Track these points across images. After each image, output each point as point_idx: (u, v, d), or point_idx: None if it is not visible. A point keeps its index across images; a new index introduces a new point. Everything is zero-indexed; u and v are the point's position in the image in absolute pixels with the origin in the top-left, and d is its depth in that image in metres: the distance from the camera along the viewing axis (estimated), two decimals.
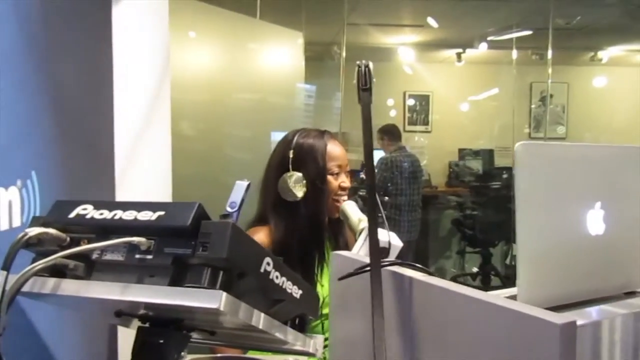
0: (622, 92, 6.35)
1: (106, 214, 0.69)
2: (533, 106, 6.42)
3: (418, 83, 6.12)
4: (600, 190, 0.81)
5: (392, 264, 0.74)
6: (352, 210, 1.31)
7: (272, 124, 3.06)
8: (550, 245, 0.74)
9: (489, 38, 5.37)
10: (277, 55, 3.28)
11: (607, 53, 5.93)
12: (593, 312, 0.62)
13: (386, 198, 4.29)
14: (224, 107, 2.92)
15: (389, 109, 6.18)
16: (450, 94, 6.18)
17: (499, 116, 6.01)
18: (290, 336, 0.86)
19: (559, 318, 0.48)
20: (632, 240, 0.84)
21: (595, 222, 0.80)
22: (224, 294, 0.63)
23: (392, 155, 4.48)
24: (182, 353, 0.80)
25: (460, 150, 6.03)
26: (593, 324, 0.56)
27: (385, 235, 1.11)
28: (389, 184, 4.35)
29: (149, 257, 0.66)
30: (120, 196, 1.38)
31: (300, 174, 1.40)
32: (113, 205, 0.70)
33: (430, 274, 0.71)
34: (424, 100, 6.22)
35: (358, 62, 0.75)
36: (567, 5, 4.19)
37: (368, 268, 0.68)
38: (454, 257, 5.49)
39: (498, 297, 0.58)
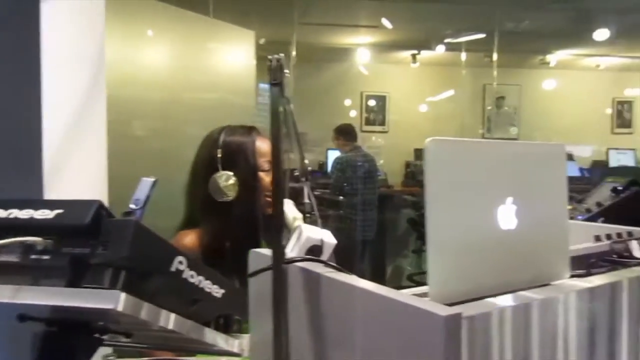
0: (570, 94, 6.61)
1: (1, 213, 0.66)
2: (489, 107, 6.60)
3: (375, 84, 6.19)
4: (513, 186, 0.83)
5: (295, 261, 0.74)
6: (287, 208, 1.30)
7: (227, 124, 3.02)
8: (461, 241, 0.75)
9: (446, 40, 5.48)
10: (230, 54, 3.26)
11: (555, 57, 6.15)
12: (491, 303, 0.63)
13: (341, 197, 4.32)
14: (179, 106, 2.88)
15: (348, 109, 6.23)
16: (406, 94, 6.28)
17: (454, 117, 6.15)
18: (210, 337, 0.84)
19: (444, 310, 0.49)
20: (544, 235, 0.87)
21: (507, 217, 0.81)
22: (123, 294, 0.61)
23: (348, 155, 4.51)
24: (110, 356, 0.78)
25: (417, 150, 6.13)
26: (483, 315, 0.57)
27: (319, 233, 1.11)
28: (344, 184, 4.38)
29: (46, 257, 0.63)
30: (49, 197, 1.33)
31: (230, 173, 1.36)
32: (9, 203, 0.67)
33: (340, 270, 0.71)
34: (381, 101, 6.29)
35: (270, 56, 0.74)
36: (515, 10, 4.32)
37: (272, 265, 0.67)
38: (410, 255, 5.56)
39: (391, 290, 0.59)
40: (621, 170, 5.72)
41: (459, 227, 0.75)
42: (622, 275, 0.77)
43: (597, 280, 0.74)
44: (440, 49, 5.69)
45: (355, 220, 4.37)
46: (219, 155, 1.38)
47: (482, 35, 4.93)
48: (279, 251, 0.67)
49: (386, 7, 4.43)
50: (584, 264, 0.89)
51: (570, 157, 5.78)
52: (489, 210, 0.79)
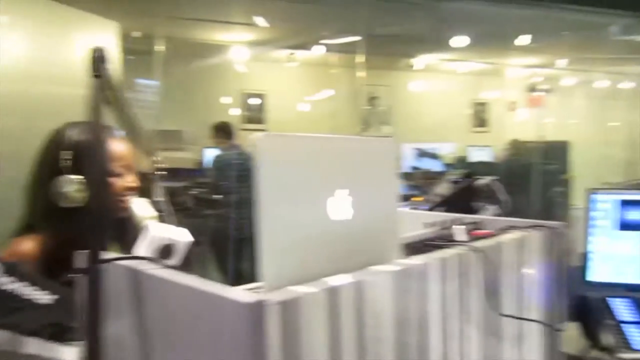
0: (435, 96, 7.16)
1: None
2: (370, 107, 6.92)
3: (254, 82, 6.20)
4: (347, 179, 0.88)
5: (108, 260, 0.72)
6: (137, 209, 1.25)
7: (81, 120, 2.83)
8: (294, 233, 0.78)
9: (322, 42, 5.64)
10: (90, 45, 3.06)
11: (420, 60, 6.64)
12: (304, 288, 0.65)
13: (218, 195, 4.25)
14: (29, 100, 2.64)
15: (226, 106, 6.16)
16: (285, 93, 6.37)
17: (332, 116, 6.35)
18: (33, 347, 0.79)
19: (248, 297, 0.50)
20: (377, 223, 0.93)
21: (340, 208, 0.86)
22: None
23: (225, 153, 4.45)
24: None
25: None
26: (294, 300, 0.59)
27: (169, 232, 1.08)
28: (221, 182, 4.32)
29: None
30: None
31: (77, 177, 1.23)
32: None
33: (171, 267, 0.71)
34: (259, 99, 6.32)
35: (92, 48, 0.70)
36: (383, 15, 4.57)
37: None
38: None
39: (201, 282, 0.59)
40: (478, 166, 6.32)
41: (291, 219, 0.78)
42: (431, 257, 0.84)
43: (409, 262, 0.81)
44: (318, 49, 5.85)
45: (232, 218, 4.33)
46: (66, 157, 1.23)
47: (356, 38, 5.14)
48: (94, 251, 0.64)
49: (259, 5, 4.44)
50: (412, 249, 0.97)
51: (434, 155, 6.27)
52: (323, 202, 0.83)
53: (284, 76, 6.45)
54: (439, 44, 5.61)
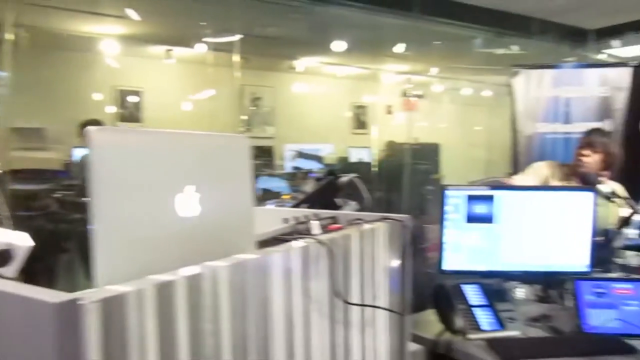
0: (317, 98, 7.35)
1: None
2: (253, 108, 6.89)
3: (129, 78, 5.89)
4: (195, 175, 0.86)
5: None
6: None
7: None
8: (135, 231, 0.75)
9: (203, 40, 5.50)
10: None
11: (301, 63, 6.79)
12: (131, 285, 0.63)
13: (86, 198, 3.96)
14: None
15: (98, 103, 5.77)
16: (164, 91, 6.13)
17: (215, 116, 6.23)
18: None
19: (56, 297, 0.48)
20: (229, 219, 0.93)
21: (187, 204, 0.84)
22: None
23: None
24: None
25: None
26: (118, 297, 0.57)
27: (7, 237, 1.00)
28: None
29: None
30: None
31: None
32: None
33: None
34: (135, 96, 6.01)
35: None
36: (261, 15, 4.59)
37: None
38: None
39: (5, 283, 0.55)
40: (357, 165, 6.57)
41: (130, 217, 0.75)
42: (275, 250, 0.86)
43: (249, 256, 0.81)
44: (198, 47, 5.71)
45: None
46: None
47: (236, 37, 5.09)
48: None
49: None
50: (266, 244, 0.98)
51: (316, 156, 6.43)
52: (168, 199, 0.81)
53: (162, 73, 6.20)
54: (318, 47, 5.77)
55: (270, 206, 1.50)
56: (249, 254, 0.80)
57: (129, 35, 5.33)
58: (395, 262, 1.18)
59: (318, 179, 1.51)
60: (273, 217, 1.21)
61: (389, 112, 7.92)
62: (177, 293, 0.64)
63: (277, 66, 6.86)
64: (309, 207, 1.42)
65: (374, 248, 1.09)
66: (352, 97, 7.79)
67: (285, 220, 1.16)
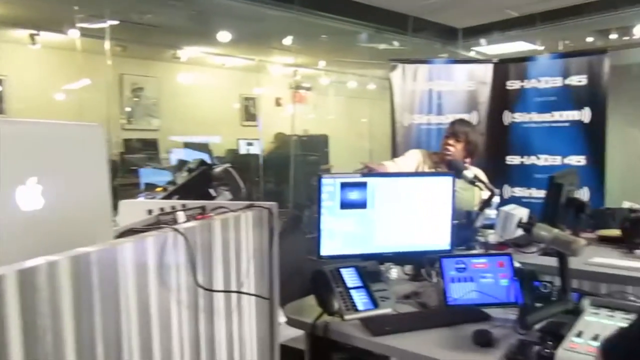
0: (204, 89, 7.17)
1: None
2: (136, 98, 6.53)
3: None
4: (38, 167, 0.81)
5: None
6: None
7: None
8: None
9: (77, 25, 5.10)
10: None
11: (185, 52, 6.57)
12: None
13: None
14: None
15: None
16: (33, 80, 5.60)
17: (93, 107, 5.82)
18: None
19: None
20: (82, 211, 0.88)
21: (30, 197, 0.79)
22: None
23: None
24: None
25: None
26: None
27: None
28: None
29: None
30: None
31: None
32: None
33: None
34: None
35: None
36: (138, 1, 4.36)
37: None
38: None
39: None
40: (247, 157, 6.52)
41: None
42: (125, 241, 0.83)
43: (92, 248, 0.77)
44: (72, 33, 5.28)
45: None
46: None
47: (111, 23, 4.79)
48: None
49: None
50: (126, 235, 0.94)
51: (204, 148, 6.29)
52: (4, 191, 0.75)
53: (29, 60, 5.66)
54: (202, 37, 5.63)
55: (141, 199, 1.45)
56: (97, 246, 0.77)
57: None
58: (263, 249, 1.20)
59: (190, 170, 1.48)
60: (139, 210, 1.17)
61: (278, 104, 7.96)
62: (6, 288, 0.60)
63: (159, 55, 6.57)
64: (180, 199, 1.39)
65: (239, 235, 1.10)
66: (240, 89, 7.71)
67: (150, 212, 1.13)
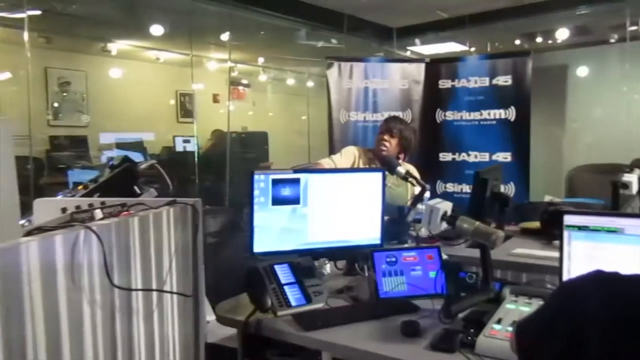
0: (138, 84, 6.92)
1: None
2: (64, 93, 6.20)
3: None
4: None
5: None
6: None
7: None
8: None
9: None
10: None
11: (116, 46, 6.31)
12: None
13: None
14: None
15: None
16: None
17: (13, 102, 5.48)
18: None
19: None
20: None
21: None
22: None
23: None
24: None
25: None
26: None
27: None
28: None
29: None
30: None
31: None
32: None
33: None
34: None
35: None
36: None
37: None
38: None
39: None
40: (183, 155, 6.37)
41: None
42: (31, 240, 0.79)
43: None
44: None
45: None
46: None
47: (31, 13, 4.50)
48: None
49: None
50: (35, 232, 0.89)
51: (138, 145, 6.09)
52: None
53: None
54: (135, 30, 5.43)
55: (59, 197, 1.38)
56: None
57: None
58: (187, 246, 1.18)
59: (112, 167, 1.42)
60: (55, 208, 1.11)
61: (216, 101, 7.83)
62: None
63: (88, 48, 6.27)
64: (101, 196, 1.34)
65: (160, 233, 1.07)
66: (177, 85, 7.50)
67: (64, 211, 1.07)
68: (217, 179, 5.29)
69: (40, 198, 1.18)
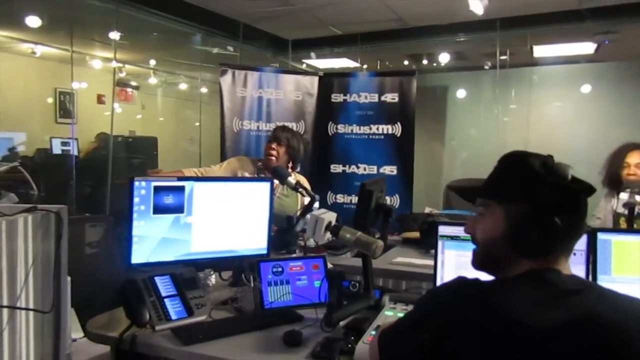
0: (9, 79, 6.28)
1: None
2: None
3: None
4: None
5: None
6: None
7: None
8: None
9: None
10: None
11: None
12: None
13: None
14: None
15: None
16: None
17: None
18: None
19: None
20: None
21: None
22: None
23: None
24: None
25: None
26: None
27: None
28: None
29: None
30: None
31: None
32: None
33: None
34: None
35: None
36: None
37: None
38: None
39: None
40: (58, 158, 5.89)
41: None
42: None
43: None
44: None
45: None
46: None
47: None
48: None
49: None
50: None
51: (9, 146, 5.52)
52: None
53: None
54: (6, 19, 4.93)
55: None
56: None
57: None
58: (49, 258, 1.07)
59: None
60: None
61: (100, 102, 7.35)
62: None
63: None
64: None
65: (14, 243, 0.96)
66: (55, 82, 6.92)
67: None
68: (99, 184, 4.94)
69: None
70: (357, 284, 1.95)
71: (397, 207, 4.18)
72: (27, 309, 0.98)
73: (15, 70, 6.40)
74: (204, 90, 7.75)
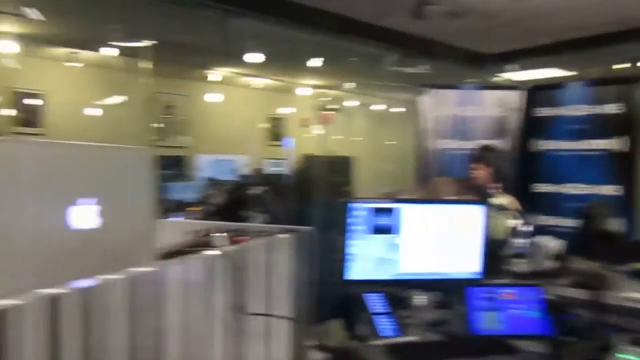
0: (232, 109, 7.29)
1: None
2: (168, 116, 6.69)
3: (27, 80, 5.50)
4: (88, 187, 0.84)
5: None
6: None
7: None
8: (22, 243, 0.73)
9: (111, 43, 5.28)
10: None
11: (218, 72, 6.70)
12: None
13: None
14: None
15: None
16: (70, 96, 5.79)
17: (125, 123, 5.98)
18: None
19: None
20: (128, 232, 0.92)
21: (82, 217, 0.83)
22: None
23: None
24: None
25: None
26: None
27: None
28: None
29: None
30: None
31: None
32: None
33: None
34: (34, 99, 5.62)
35: None
36: (173, 22, 4.48)
37: None
38: None
39: None
40: (272, 177, 6.59)
41: (23, 230, 0.72)
42: (172, 263, 0.86)
43: (144, 269, 0.80)
44: (108, 51, 5.47)
45: None
46: None
47: (147, 43, 4.93)
48: None
49: None
50: (167, 257, 0.98)
51: (231, 166, 6.37)
52: (58, 211, 0.79)
53: (67, 77, 5.86)
54: (232, 58, 5.74)
55: (174, 219, 1.48)
56: (145, 266, 0.80)
57: (30, 35, 4.99)
58: (299, 273, 1.22)
59: (228, 191, 1.51)
60: (176, 230, 1.20)
61: (305, 125, 8.03)
62: (65, 307, 0.63)
63: (189, 75, 6.73)
64: (219, 219, 1.42)
65: (277, 259, 1.12)
66: (268, 109, 7.81)
67: (188, 234, 1.16)
68: (307, 201, 5.39)
69: (163, 219, 1.28)
70: (579, 318, 1.78)
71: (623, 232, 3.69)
72: (287, 318, 1.13)
73: (237, 101, 7.41)
74: (398, 109, 7.93)
